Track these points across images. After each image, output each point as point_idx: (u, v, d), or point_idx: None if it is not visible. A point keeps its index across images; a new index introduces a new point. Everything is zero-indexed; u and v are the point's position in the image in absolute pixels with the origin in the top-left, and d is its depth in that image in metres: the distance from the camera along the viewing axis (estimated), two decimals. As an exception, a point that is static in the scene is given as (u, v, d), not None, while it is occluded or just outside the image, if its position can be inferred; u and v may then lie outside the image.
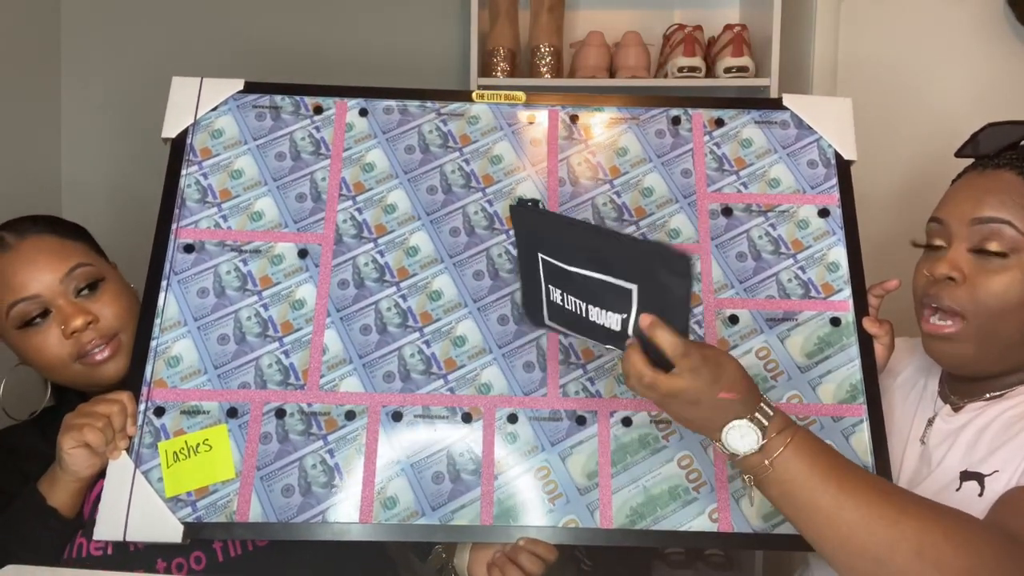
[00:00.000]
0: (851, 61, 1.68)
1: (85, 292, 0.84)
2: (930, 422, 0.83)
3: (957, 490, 0.74)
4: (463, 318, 0.86)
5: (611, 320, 0.69)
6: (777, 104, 0.95)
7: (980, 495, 0.72)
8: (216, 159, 0.92)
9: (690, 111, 0.95)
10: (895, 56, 1.68)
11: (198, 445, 0.81)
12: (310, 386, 0.83)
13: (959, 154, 0.84)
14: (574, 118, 0.95)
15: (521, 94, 0.96)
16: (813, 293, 0.88)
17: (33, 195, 1.61)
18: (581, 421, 0.82)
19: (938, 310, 0.78)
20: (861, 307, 0.86)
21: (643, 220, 0.91)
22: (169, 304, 0.85)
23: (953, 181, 0.84)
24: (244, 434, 0.81)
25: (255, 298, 0.86)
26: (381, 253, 0.88)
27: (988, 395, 0.79)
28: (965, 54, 1.66)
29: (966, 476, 0.75)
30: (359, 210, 0.90)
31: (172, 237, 0.88)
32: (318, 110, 0.94)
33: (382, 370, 0.84)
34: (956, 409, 0.80)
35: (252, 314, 0.85)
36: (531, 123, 0.95)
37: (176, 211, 0.89)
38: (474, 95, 0.95)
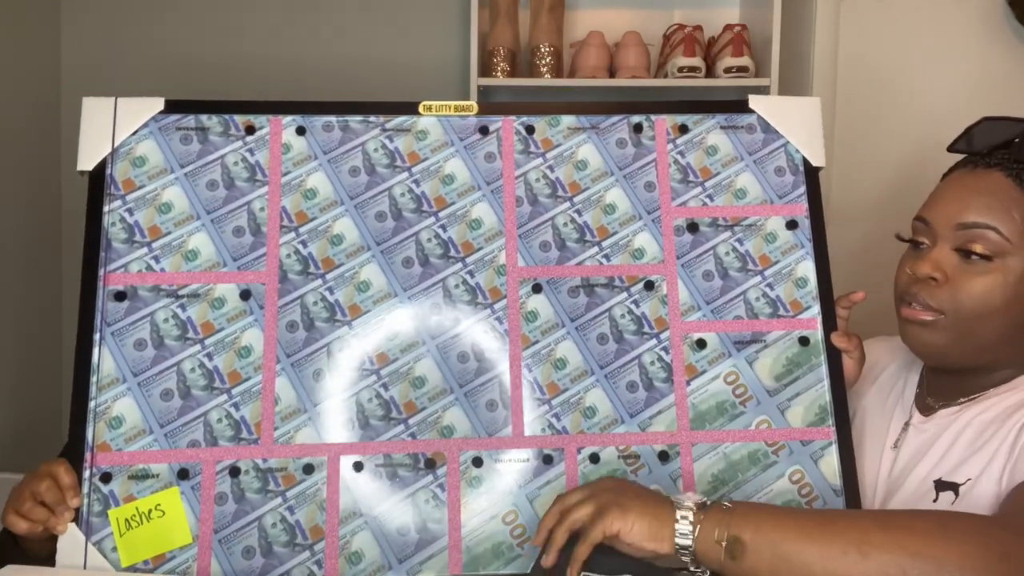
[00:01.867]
0: (851, 61, 1.66)
1: None
2: (905, 426, 0.83)
3: (934, 500, 0.76)
4: (422, 356, 0.82)
5: None
6: (743, 107, 0.90)
7: (953, 504, 0.73)
8: (141, 191, 0.84)
9: (652, 117, 0.90)
10: (895, 56, 1.67)
11: (150, 511, 0.77)
12: (264, 440, 0.79)
13: (952, 148, 0.83)
14: (530, 129, 0.89)
15: (472, 104, 0.88)
16: (782, 311, 0.85)
17: (33, 195, 1.59)
18: (548, 460, 0.80)
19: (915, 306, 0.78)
20: (830, 324, 0.84)
21: (606, 240, 0.86)
22: (105, 359, 0.79)
23: (944, 176, 0.83)
24: (198, 496, 0.77)
25: (197, 347, 0.81)
26: (330, 290, 0.83)
27: (961, 399, 0.79)
28: (965, 54, 1.65)
29: (941, 486, 0.76)
30: (303, 243, 0.84)
31: (101, 284, 0.81)
32: (250, 130, 0.86)
33: (339, 418, 0.80)
34: (929, 414, 0.81)
35: (196, 365, 0.80)
36: (484, 135, 0.88)
37: (102, 254, 0.82)
38: (421, 107, 0.88)
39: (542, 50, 1.60)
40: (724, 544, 0.64)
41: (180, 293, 0.81)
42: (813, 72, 1.63)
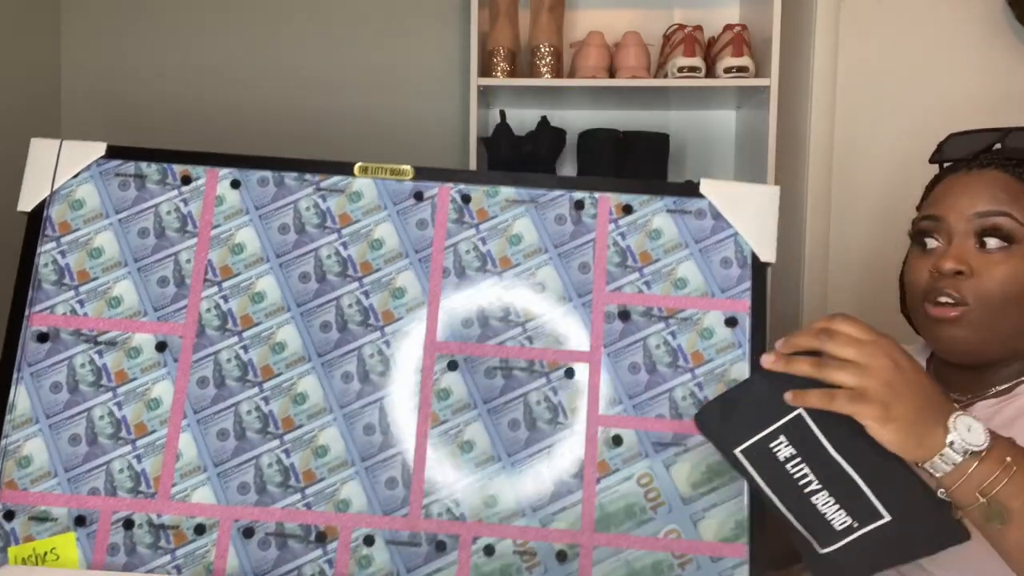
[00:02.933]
0: (851, 61, 1.66)
1: None
2: None
3: None
4: (327, 425, 0.81)
5: (836, 517, 0.65)
6: (693, 190, 0.85)
7: None
8: (75, 235, 0.85)
9: (596, 194, 0.85)
10: (895, 56, 1.66)
11: (46, 553, 0.78)
12: (161, 495, 0.79)
13: (932, 160, 0.88)
14: (466, 198, 0.86)
15: (409, 168, 0.86)
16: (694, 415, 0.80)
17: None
18: (441, 547, 0.78)
19: (943, 300, 0.78)
20: (758, 434, 0.79)
21: (530, 322, 0.83)
22: (21, 399, 0.81)
23: (930, 186, 0.86)
24: (92, 544, 0.78)
25: (109, 395, 0.81)
26: (245, 348, 0.83)
27: (994, 389, 0.80)
28: (965, 54, 1.64)
29: None
30: (224, 298, 0.84)
31: (25, 323, 0.83)
32: (186, 180, 0.86)
33: (237, 480, 0.80)
34: (964, 408, 0.77)
35: (105, 413, 0.81)
36: (419, 201, 0.86)
37: (31, 293, 0.83)
38: (356, 169, 0.86)
39: (542, 50, 1.60)
40: (985, 503, 0.60)
41: (99, 339, 0.83)
42: (813, 72, 1.63)
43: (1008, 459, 0.60)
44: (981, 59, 1.64)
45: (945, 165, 0.87)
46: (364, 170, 0.86)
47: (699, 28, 1.63)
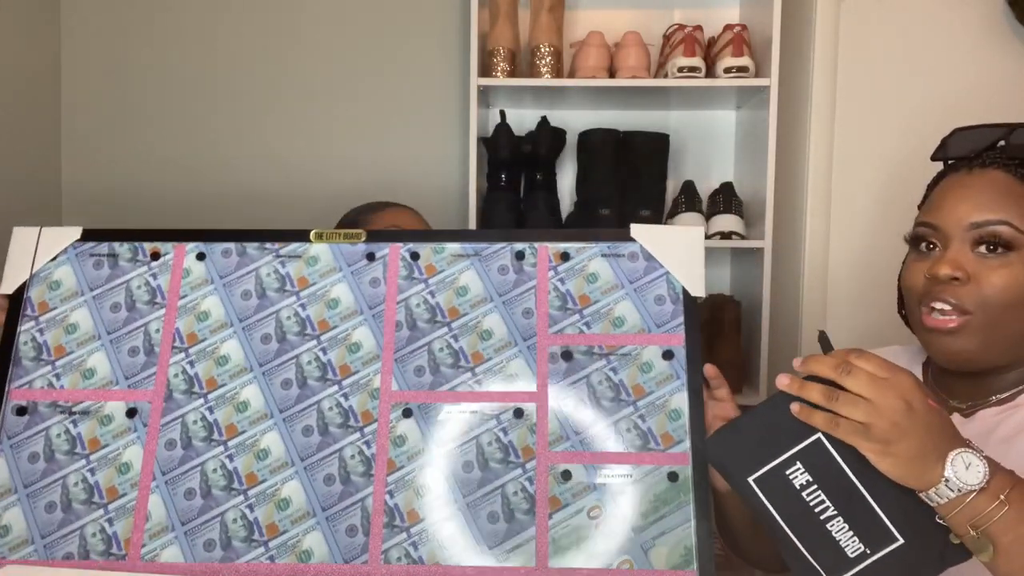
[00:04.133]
0: (851, 61, 1.66)
1: None
2: None
3: None
4: (289, 479, 0.84)
5: (850, 544, 0.66)
6: (625, 236, 0.91)
7: None
8: (52, 313, 0.91)
9: (536, 245, 0.92)
10: (895, 56, 1.66)
11: (20, 619, 0.81)
12: (131, 557, 0.82)
13: (934, 157, 0.85)
14: (415, 255, 0.92)
15: (361, 232, 0.93)
16: (652, 444, 0.83)
17: (33, 195, 1.67)
18: (401, 591, 0.80)
19: (940, 308, 0.78)
20: (700, 462, 0.82)
21: (480, 366, 0.87)
22: (0, 470, 0.86)
23: (931, 184, 0.85)
24: (64, 608, 0.81)
25: (83, 462, 0.86)
26: (211, 409, 0.87)
27: (995, 398, 0.79)
28: (965, 54, 1.64)
29: None
30: (191, 363, 0.89)
31: (6, 398, 0.88)
32: (155, 256, 0.93)
33: (203, 538, 0.83)
34: (967, 415, 0.79)
35: (79, 479, 0.85)
36: (371, 261, 0.92)
37: (12, 369, 0.89)
38: (312, 235, 0.93)
39: (542, 50, 1.62)
40: (975, 536, 0.62)
41: (74, 410, 0.87)
42: (813, 72, 1.62)
43: (1002, 496, 0.61)
44: (981, 59, 1.63)
45: (948, 162, 0.86)
46: (319, 236, 0.93)
47: (699, 28, 1.63)
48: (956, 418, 0.80)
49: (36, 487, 0.85)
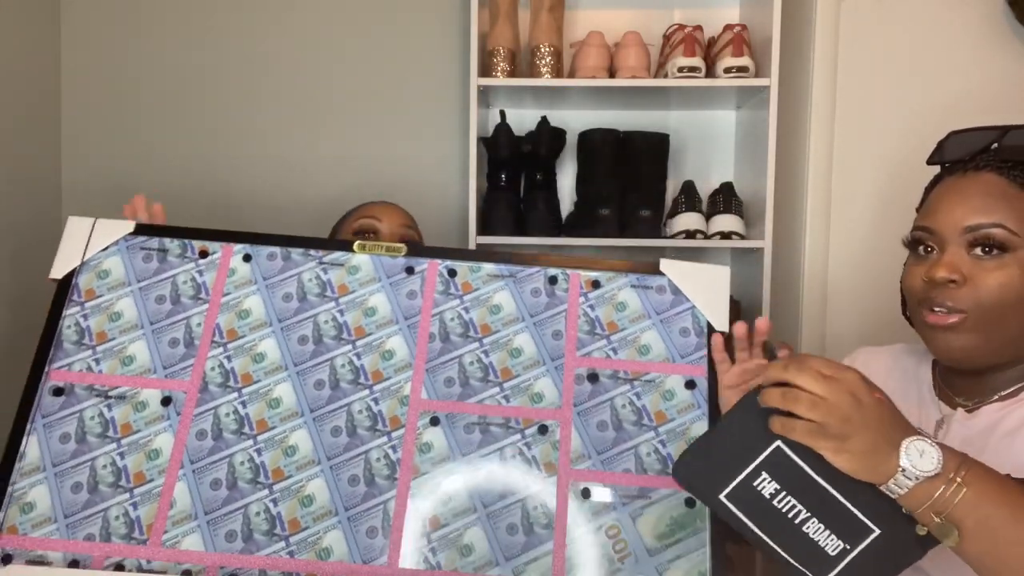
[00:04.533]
0: (851, 61, 1.67)
1: None
2: (939, 424, 0.82)
3: None
4: (314, 476, 0.86)
5: (829, 543, 0.67)
6: (654, 269, 0.95)
7: None
8: (98, 300, 0.94)
9: (568, 271, 0.96)
10: (895, 56, 1.68)
11: (35, 596, 0.81)
12: (152, 542, 0.83)
13: (930, 162, 0.87)
14: (452, 272, 0.96)
15: (402, 246, 0.97)
16: (671, 469, 0.86)
17: (33, 195, 1.67)
18: (417, 595, 0.81)
19: (939, 310, 0.79)
20: (718, 488, 0.84)
21: (508, 381, 0.90)
22: (31, 448, 0.87)
23: (929, 187, 0.86)
24: (81, 588, 0.81)
25: (114, 446, 0.87)
26: (244, 404, 0.89)
27: (998, 394, 0.80)
28: (965, 54, 1.66)
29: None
30: (228, 357, 0.92)
31: (44, 378, 0.90)
32: (204, 254, 0.97)
33: (225, 528, 0.84)
34: (970, 411, 0.80)
35: (108, 462, 0.87)
36: (410, 275, 0.96)
37: (52, 351, 0.91)
38: (355, 246, 0.97)
39: (542, 50, 1.61)
40: (939, 522, 0.63)
41: (110, 394, 0.90)
42: (813, 72, 1.61)
43: (959, 479, 0.62)
44: (981, 59, 1.63)
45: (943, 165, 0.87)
46: (363, 247, 0.97)
47: (699, 28, 1.64)
48: (961, 415, 0.82)
49: (65, 467, 0.86)
